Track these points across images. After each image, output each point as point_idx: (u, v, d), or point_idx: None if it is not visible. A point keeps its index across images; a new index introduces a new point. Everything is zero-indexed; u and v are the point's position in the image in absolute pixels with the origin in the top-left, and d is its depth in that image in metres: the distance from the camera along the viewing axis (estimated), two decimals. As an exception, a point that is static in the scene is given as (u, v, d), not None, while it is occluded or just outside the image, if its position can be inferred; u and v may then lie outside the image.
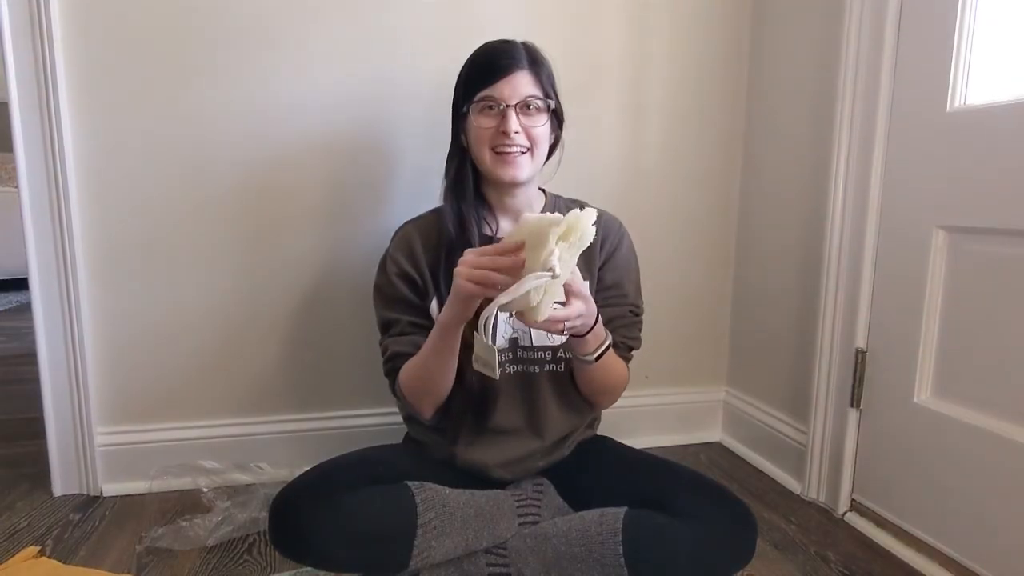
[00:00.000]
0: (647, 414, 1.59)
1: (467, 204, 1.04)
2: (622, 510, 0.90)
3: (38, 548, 1.05)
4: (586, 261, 1.06)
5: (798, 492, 1.37)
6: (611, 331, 1.06)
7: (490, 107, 0.99)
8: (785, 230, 1.43)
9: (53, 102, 1.20)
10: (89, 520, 1.23)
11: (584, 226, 0.77)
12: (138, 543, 1.14)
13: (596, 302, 1.05)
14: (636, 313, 1.12)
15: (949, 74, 1.05)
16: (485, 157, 1.01)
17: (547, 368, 1.05)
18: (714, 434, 1.66)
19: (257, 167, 1.32)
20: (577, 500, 1.00)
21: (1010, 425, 0.98)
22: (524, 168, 1.01)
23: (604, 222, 1.10)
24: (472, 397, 1.01)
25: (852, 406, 1.25)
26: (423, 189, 1.32)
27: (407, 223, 1.11)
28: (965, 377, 1.05)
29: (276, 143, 1.32)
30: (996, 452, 0.99)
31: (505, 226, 1.07)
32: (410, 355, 1.02)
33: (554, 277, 0.75)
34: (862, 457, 1.25)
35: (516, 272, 0.79)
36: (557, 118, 1.06)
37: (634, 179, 1.51)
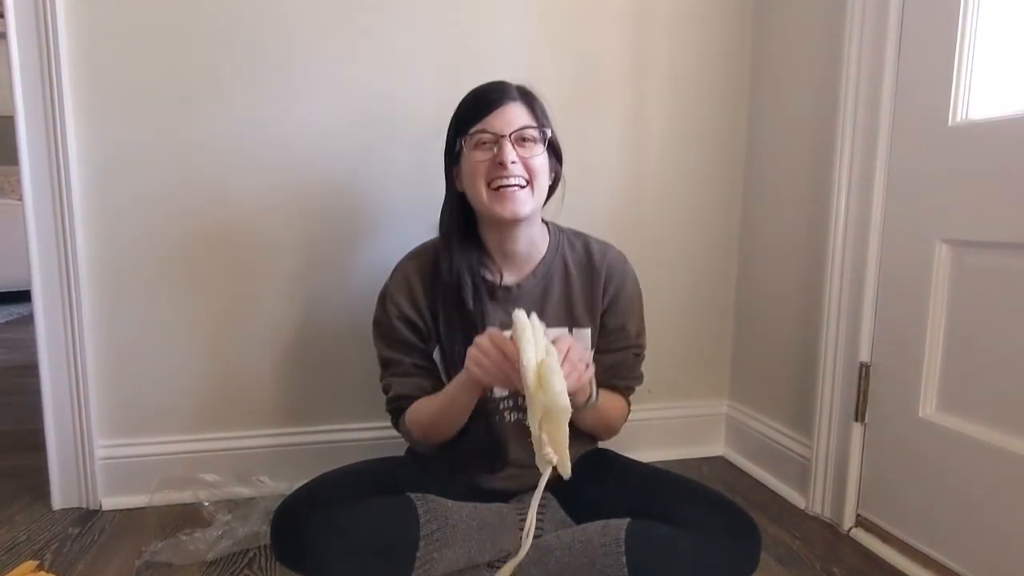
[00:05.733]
0: (649, 428, 1.58)
1: (464, 254, 1.02)
2: (625, 521, 0.89)
3: (37, 562, 1.05)
4: (588, 308, 1.07)
5: (802, 507, 1.35)
6: (614, 376, 1.08)
7: (484, 140, 0.96)
8: (788, 243, 1.43)
9: (58, 115, 1.20)
10: (88, 534, 1.22)
11: (560, 403, 0.78)
12: (137, 557, 1.13)
13: (599, 348, 1.07)
14: (638, 352, 1.12)
15: (950, 89, 1.05)
16: (482, 194, 0.97)
17: None
18: (717, 448, 1.65)
19: (259, 185, 1.32)
20: (580, 512, 1.00)
21: (1016, 439, 0.97)
22: (524, 203, 0.97)
23: (608, 262, 1.08)
24: (481, 448, 1.03)
25: (856, 420, 1.24)
26: (419, 212, 1.33)
27: (407, 260, 1.08)
28: (970, 391, 1.05)
29: (277, 166, 1.32)
30: (1002, 466, 0.98)
31: (508, 276, 1.05)
32: (414, 397, 1.04)
33: (555, 461, 0.80)
34: (867, 472, 1.24)
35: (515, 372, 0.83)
36: (555, 151, 1.04)
37: (635, 193, 1.51)
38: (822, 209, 1.29)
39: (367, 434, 1.41)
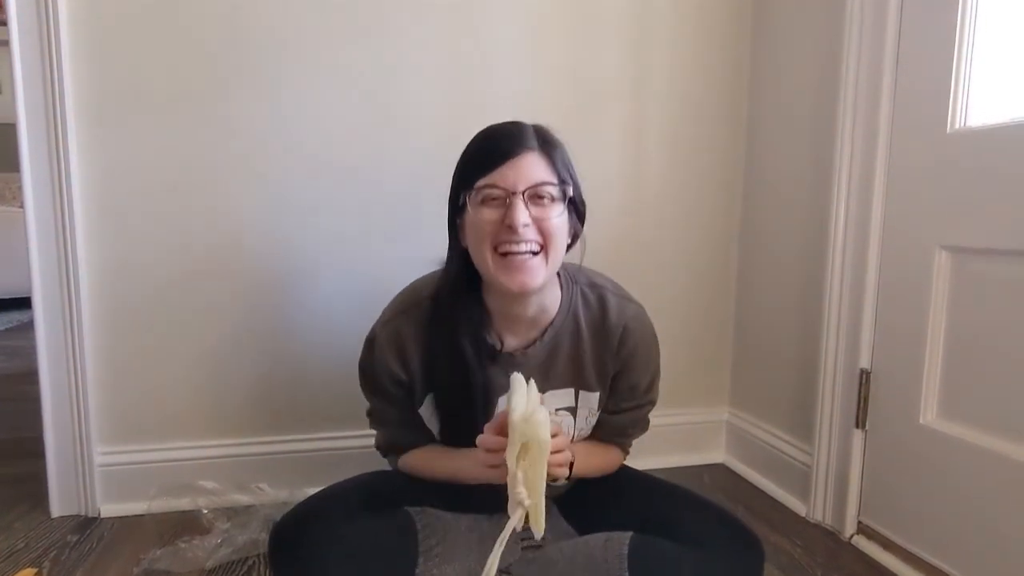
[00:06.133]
0: (649, 435, 1.55)
1: (466, 322, 0.90)
2: (627, 534, 0.88)
3: (35, 570, 1.05)
4: (599, 372, 0.97)
5: (803, 514, 1.35)
6: (619, 435, 1.04)
7: (493, 197, 0.83)
8: (787, 250, 1.43)
9: (60, 123, 1.21)
10: (87, 541, 1.21)
11: (540, 435, 0.73)
12: (136, 565, 1.12)
13: (607, 408, 1.01)
14: (649, 409, 1.06)
15: (949, 96, 1.05)
16: (487, 260, 0.84)
17: None
18: (717, 455, 1.65)
19: (259, 194, 1.33)
20: (581, 523, 0.99)
21: (1017, 446, 0.97)
22: (536, 273, 0.84)
23: (625, 321, 0.96)
24: (485, 499, 0.96)
25: (857, 427, 1.24)
26: (419, 217, 1.35)
27: (399, 315, 0.95)
28: (971, 398, 1.05)
29: (278, 176, 1.33)
30: (1004, 473, 0.98)
31: (512, 340, 0.95)
32: (403, 447, 1.01)
33: (527, 504, 0.73)
34: (868, 479, 1.24)
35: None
36: (576, 209, 0.90)
37: (635, 200, 1.51)
38: (822, 216, 1.30)
39: (367, 441, 1.40)
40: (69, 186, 1.23)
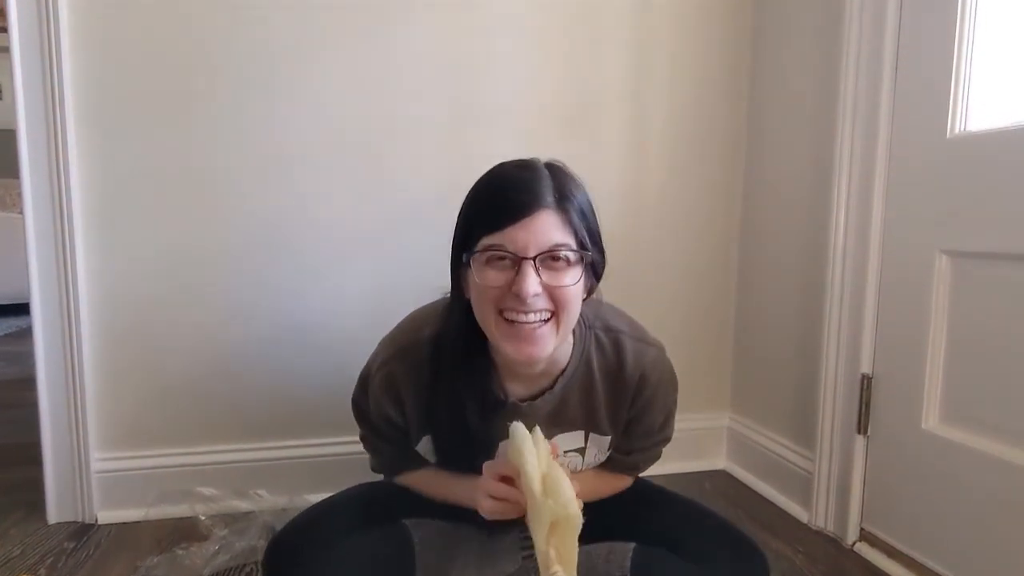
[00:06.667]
0: (651, 441, 1.57)
1: (468, 380, 0.84)
2: (630, 546, 0.87)
3: (31, 577, 1.04)
4: (612, 419, 0.91)
5: (805, 521, 1.34)
6: (631, 468, 0.99)
7: (500, 258, 0.74)
8: (788, 255, 1.43)
9: (60, 129, 1.21)
10: (84, 548, 1.20)
11: (571, 512, 0.69)
12: (133, 572, 1.11)
13: (618, 447, 0.96)
14: (663, 444, 1.00)
15: (948, 100, 1.05)
16: (490, 324, 0.76)
17: None
18: (719, 461, 1.64)
19: (258, 200, 1.33)
20: (585, 534, 0.98)
21: (1020, 451, 0.96)
22: (546, 343, 0.76)
23: (643, 369, 0.88)
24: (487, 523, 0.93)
25: (859, 433, 1.23)
26: (419, 225, 1.34)
27: (395, 359, 0.88)
28: (973, 403, 1.04)
29: (277, 181, 1.33)
30: (1007, 478, 0.97)
31: (518, 390, 0.88)
32: (401, 471, 0.98)
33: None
34: (871, 485, 1.23)
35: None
36: (594, 270, 0.82)
37: (636, 205, 1.51)
38: (822, 221, 1.29)
39: (366, 447, 1.40)
40: (68, 192, 1.22)
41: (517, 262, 0.73)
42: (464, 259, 0.77)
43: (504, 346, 0.76)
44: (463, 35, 1.38)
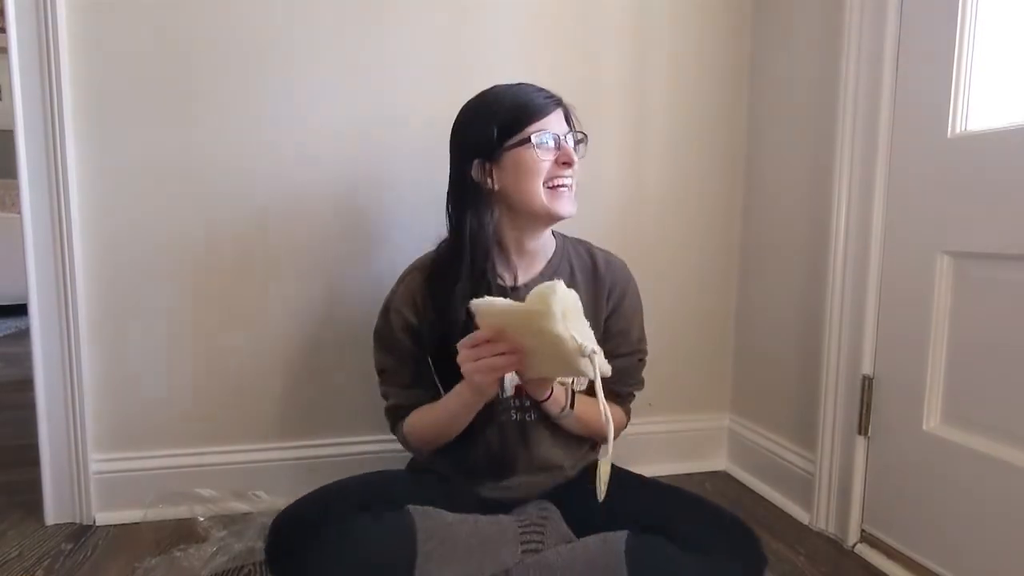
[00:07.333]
0: (651, 442, 1.57)
1: (489, 257, 1.00)
2: (623, 533, 0.90)
3: (28, 579, 1.03)
4: (592, 314, 1.04)
5: (806, 522, 1.34)
6: (616, 382, 1.07)
7: (545, 140, 0.97)
8: (788, 256, 1.43)
9: (58, 130, 1.20)
10: (81, 550, 1.20)
11: (568, 299, 0.78)
12: (131, 574, 1.11)
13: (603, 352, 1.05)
14: (641, 357, 1.13)
15: (949, 101, 1.05)
16: (538, 193, 0.97)
17: (539, 414, 1.05)
18: (719, 463, 1.64)
19: (258, 200, 1.32)
20: (582, 525, 0.99)
21: (1022, 453, 0.96)
22: (575, 203, 1.01)
23: (612, 268, 1.10)
24: (490, 457, 1.03)
25: (860, 434, 1.23)
26: (420, 223, 1.34)
27: (413, 271, 1.07)
28: (975, 404, 1.04)
29: (276, 180, 1.33)
30: (1008, 480, 0.97)
31: (521, 275, 1.05)
32: (412, 407, 1.04)
33: (595, 352, 0.77)
34: (871, 486, 1.23)
35: (517, 352, 0.84)
36: None
37: (635, 204, 1.51)
38: (822, 221, 1.29)
39: (366, 447, 1.40)
40: (67, 193, 1.22)
41: (562, 139, 0.98)
42: (507, 143, 0.96)
43: (552, 206, 0.98)
44: (462, 34, 1.38)
